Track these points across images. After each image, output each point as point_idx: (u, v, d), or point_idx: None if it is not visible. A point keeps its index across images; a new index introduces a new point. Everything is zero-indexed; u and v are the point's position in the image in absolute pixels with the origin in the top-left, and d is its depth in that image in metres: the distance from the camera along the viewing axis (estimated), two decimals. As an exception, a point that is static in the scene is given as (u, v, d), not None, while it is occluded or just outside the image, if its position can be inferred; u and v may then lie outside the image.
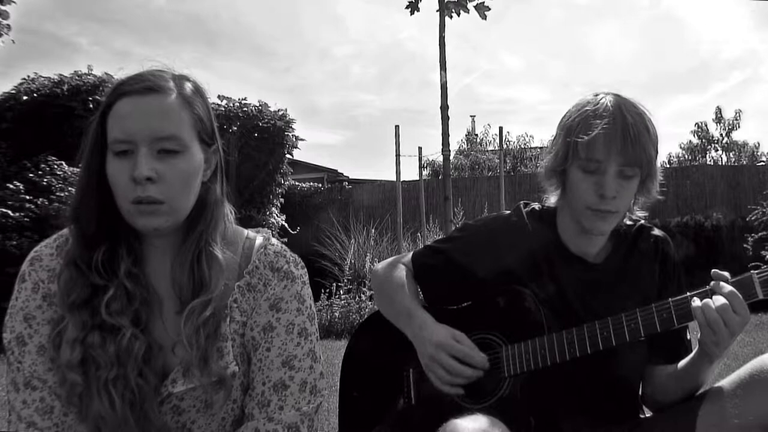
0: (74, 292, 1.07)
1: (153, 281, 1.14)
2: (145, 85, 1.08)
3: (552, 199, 1.46)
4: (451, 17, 5.21)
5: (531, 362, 1.34)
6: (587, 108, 1.34)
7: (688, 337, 1.41)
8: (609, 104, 1.32)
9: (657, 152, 1.35)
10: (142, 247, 1.15)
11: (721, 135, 26.16)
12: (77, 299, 1.07)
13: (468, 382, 1.38)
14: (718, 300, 1.17)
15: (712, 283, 1.22)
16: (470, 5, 5.13)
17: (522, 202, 1.55)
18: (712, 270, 1.22)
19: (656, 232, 1.48)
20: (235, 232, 1.21)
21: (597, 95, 1.37)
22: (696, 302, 1.19)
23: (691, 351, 1.42)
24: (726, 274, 1.22)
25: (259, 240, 1.21)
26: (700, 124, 26.56)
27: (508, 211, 1.55)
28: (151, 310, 1.12)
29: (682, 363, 1.35)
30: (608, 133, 1.29)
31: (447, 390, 1.39)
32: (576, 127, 1.33)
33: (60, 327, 1.07)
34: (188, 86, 1.13)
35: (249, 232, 1.23)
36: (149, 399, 1.07)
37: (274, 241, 1.23)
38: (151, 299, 1.12)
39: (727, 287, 1.18)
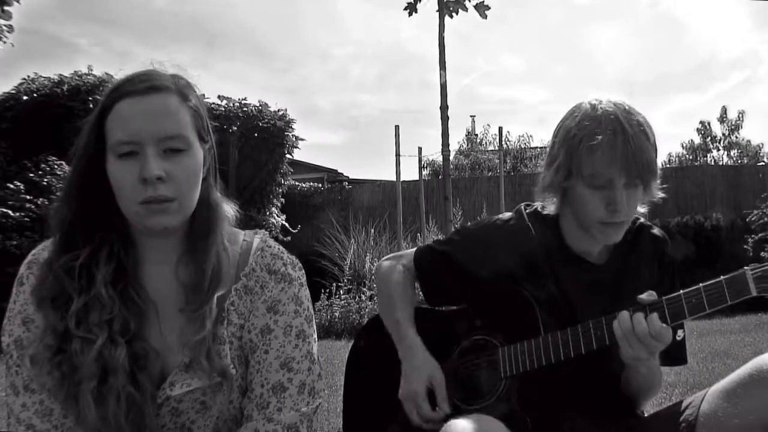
0: (43, 290, 1.07)
1: (147, 286, 1.13)
2: (146, 85, 1.07)
3: (550, 208, 1.45)
4: (451, 16, 5.22)
5: (527, 362, 1.34)
6: (585, 122, 1.32)
7: (681, 335, 1.41)
8: (607, 116, 1.30)
9: (657, 154, 1.35)
10: (134, 251, 1.14)
11: (724, 135, 26.11)
12: (46, 297, 1.06)
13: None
14: (640, 326, 1.21)
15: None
16: (469, 4, 5.14)
17: (523, 203, 1.55)
18: (639, 297, 1.25)
19: (655, 231, 1.48)
20: (232, 234, 1.21)
21: (591, 104, 1.34)
22: (623, 321, 1.23)
23: (685, 348, 1.43)
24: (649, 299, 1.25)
25: (256, 242, 1.21)
26: (704, 122, 26.48)
27: (508, 213, 1.55)
28: (144, 316, 1.11)
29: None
30: (612, 149, 1.28)
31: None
32: (578, 144, 1.31)
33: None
34: (184, 84, 1.13)
35: (246, 234, 1.23)
36: (145, 406, 1.06)
37: (271, 242, 1.22)
38: (145, 305, 1.11)
39: (653, 315, 1.21)
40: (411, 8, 5.22)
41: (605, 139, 1.28)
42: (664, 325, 1.20)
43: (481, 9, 5.11)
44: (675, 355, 1.40)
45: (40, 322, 1.09)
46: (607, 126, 1.29)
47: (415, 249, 1.63)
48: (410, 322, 1.51)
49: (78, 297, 1.06)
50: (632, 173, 1.29)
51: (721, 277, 1.19)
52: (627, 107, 1.33)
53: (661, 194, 1.39)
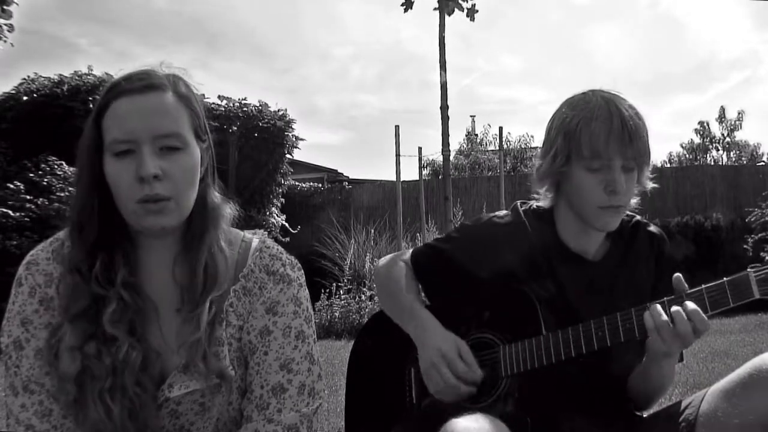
0: (77, 301, 1.06)
1: (147, 288, 1.13)
2: (143, 83, 1.07)
3: (545, 203, 1.46)
4: (450, 14, 5.23)
5: (528, 362, 1.34)
6: (583, 108, 1.34)
7: None
8: (603, 101, 1.33)
9: (649, 142, 1.37)
10: (136, 253, 1.14)
11: (723, 135, 26.11)
12: (80, 308, 1.06)
13: (459, 398, 1.37)
14: (679, 316, 1.18)
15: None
16: (465, 5, 5.16)
17: (519, 201, 1.55)
18: (675, 275, 1.23)
19: (652, 228, 1.49)
20: (231, 234, 1.20)
21: (585, 94, 1.38)
22: (656, 313, 1.20)
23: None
24: (680, 279, 1.23)
25: (255, 243, 1.20)
26: (703, 122, 26.49)
27: (505, 211, 1.55)
28: (146, 318, 1.11)
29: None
30: (610, 129, 1.30)
31: (438, 397, 1.40)
32: (575, 128, 1.33)
33: (59, 335, 1.06)
34: (181, 83, 1.13)
35: (245, 235, 1.22)
36: (147, 406, 1.06)
37: (270, 243, 1.22)
38: (146, 307, 1.11)
39: (691, 305, 1.18)
40: (407, 5, 5.22)
41: (602, 120, 1.30)
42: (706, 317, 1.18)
43: (471, 13, 5.14)
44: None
45: (39, 323, 1.09)
46: (603, 108, 1.32)
47: (412, 248, 1.63)
48: (418, 302, 1.50)
49: (105, 300, 1.06)
50: (628, 154, 1.31)
51: (724, 279, 1.18)
52: (619, 94, 1.36)
53: (652, 184, 1.41)
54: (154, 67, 1.13)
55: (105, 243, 1.09)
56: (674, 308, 1.19)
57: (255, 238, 1.22)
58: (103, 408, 1.02)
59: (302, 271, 1.22)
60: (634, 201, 1.43)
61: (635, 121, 1.32)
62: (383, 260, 1.65)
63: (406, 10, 5.24)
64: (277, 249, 1.21)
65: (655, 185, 1.42)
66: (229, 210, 1.20)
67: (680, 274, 1.24)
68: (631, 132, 1.30)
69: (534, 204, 1.51)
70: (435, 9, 5.21)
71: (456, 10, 5.18)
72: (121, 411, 1.03)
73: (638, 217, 1.49)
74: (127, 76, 1.09)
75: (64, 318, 1.06)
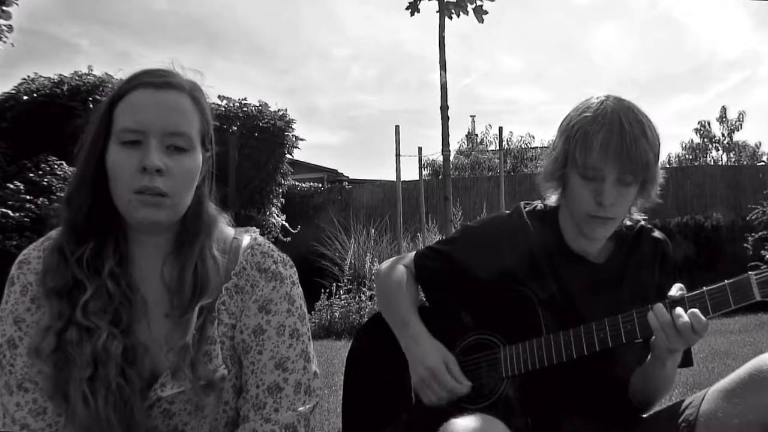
0: (54, 279, 1.07)
1: (138, 282, 1.13)
2: (163, 80, 1.09)
3: (553, 198, 1.46)
4: (450, 18, 5.21)
5: (529, 363, 1.34)
6: (586, 114, 1.33)
7: None
8: (608, 111, 1.32)
9: (657, 157, 1.35)
10: (128, 246, 1.14)
11: (723, 135, 26.12)
12: (56, 286, 1.06)
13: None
14: (681, 318, 1.19)
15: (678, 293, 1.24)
16: (469, 7, 5.13)
17: (523, 202, 1.55)
18: (669, 294, 1.24)
19: (656, 233, 1.48)
20: (223, 236, 1.20)
21: (598, 99, 1.36)
22: (660, 313, 1.22)
23: (690, 350, 1.43)
24: (676, 292, 1.24)
25: (246, 240, 1.20)
26: (703, 122, 26.51)
27: (508, 212, 1.55)
28: (134, 311, 1.11)
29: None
30: (606, 142, 1.29)
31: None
32: (575, 134, 1.33)
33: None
34: (198, 89, 1.15)
35: (236, 232, 1.22)
36: (134, 401, 1.05)
37: (261, 240, 1.21)
38: (135, 300, 1.11)
39: (692, 307, 1.20)
40: (413, 7, 5.20)
41: (600, 132, 1.29)
42: (704, 318, 1.19)
43: (479, 13, 5.11)
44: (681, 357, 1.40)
45: (31, 321, 1.09)
46: (605, 119, 1.30)
47: (415, 251, 1.63)
48: (413, 313, 1.51)
49: (90, 286, 1.06)
50: (624, 169, 1.30)
51: (725, 281, 1.19)
52: (631, 106, 1.34)
53: (659, 200, 1.40)
54: (174, 67, 1.14)
55: (95, 232, 1.10)
56: (677, 309, 1.20)
57: (246, 235, 1.21)
58: (81, 398, 1.02)
59: (294, 269, 1.21)
60: (640, 217, 1.43)
61: (637, 138, 1.29)
62: (384, 264, 1.65)
63: (412, 14, 5.21)
64: (269, 246, 1.20)
65: (659, 201, 1.41)
66: (222, 221, 1.20)
67: (682, 285, 1.25)
68: (629, 148, 1.28)
69: (538, 205, 1.52)
70: (437, 12, 5.20)
71: (461, 13, 5.15)
72: (104, 404, 1.02)
73: (642, 222, 1.48)
74: (148, 70, 1.11)
75: (41, 295, 1.07)
